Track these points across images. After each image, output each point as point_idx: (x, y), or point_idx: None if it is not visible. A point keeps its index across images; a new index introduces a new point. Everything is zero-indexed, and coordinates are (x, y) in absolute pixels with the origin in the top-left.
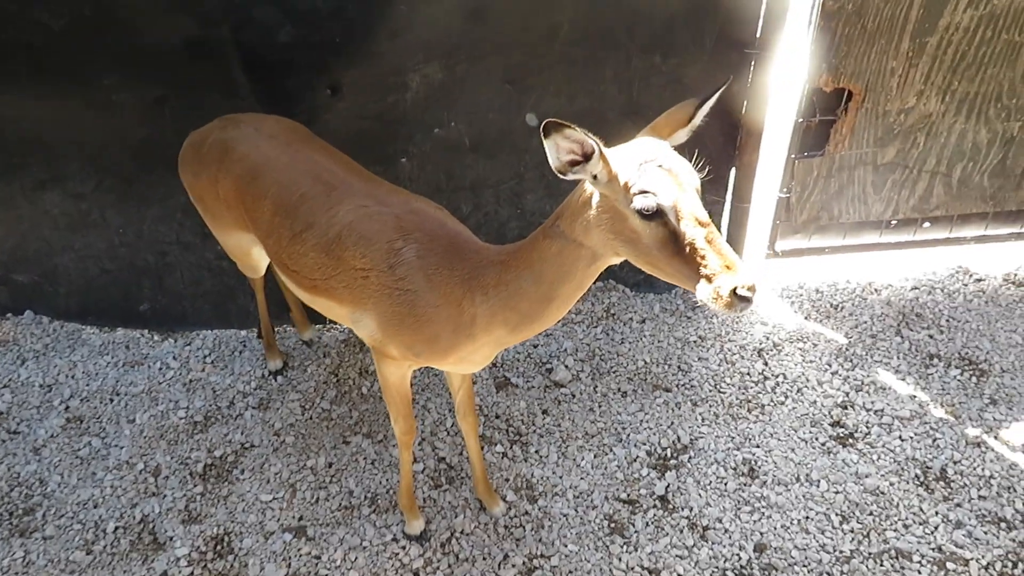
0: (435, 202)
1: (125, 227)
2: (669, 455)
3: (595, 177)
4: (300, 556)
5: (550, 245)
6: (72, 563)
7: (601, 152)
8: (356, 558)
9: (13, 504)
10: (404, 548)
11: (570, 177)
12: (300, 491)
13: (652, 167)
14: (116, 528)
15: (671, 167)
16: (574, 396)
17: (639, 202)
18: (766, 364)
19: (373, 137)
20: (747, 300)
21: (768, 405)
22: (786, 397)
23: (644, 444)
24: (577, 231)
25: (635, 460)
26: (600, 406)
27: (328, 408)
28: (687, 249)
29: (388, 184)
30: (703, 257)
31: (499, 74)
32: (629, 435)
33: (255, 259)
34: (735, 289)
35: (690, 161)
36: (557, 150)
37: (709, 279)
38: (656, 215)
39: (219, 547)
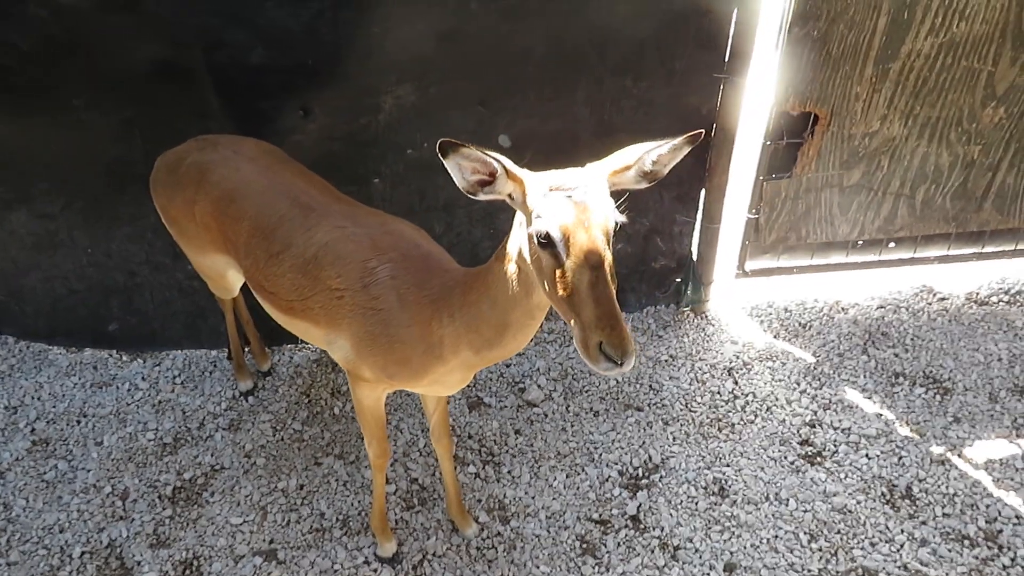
0: (410, 222)
1: (94, 247)
2: (640, 474)
3: (511, 197)
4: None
5: (500, 267)
6: None
7: (507, 171)
8: None
9: None
10: (376, 571)
11: (482, 198)
12: (271, 514)
13: (559, 195)
14: (83, 553)
15: (581, 200)
16: (547, 416)
17: (533, 226)
18: (736, 383)
19: (346, 158)
20: (613, 362)
21: (738, 424)
22: (755, 416)
23: (616, 464)
24: (513, 254)
25: (607, 480)
26: (572, 426)
27: (300, 429)
28: (570, 288)
29: (365, 207)
30: (580, 302)
31: (472, 96)
32: (601, 455)
33: (229, 281)
34: (600, 344)
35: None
36: (460, 170)
37: (581, 327)
38: (549, 244)
39: (188, 572)
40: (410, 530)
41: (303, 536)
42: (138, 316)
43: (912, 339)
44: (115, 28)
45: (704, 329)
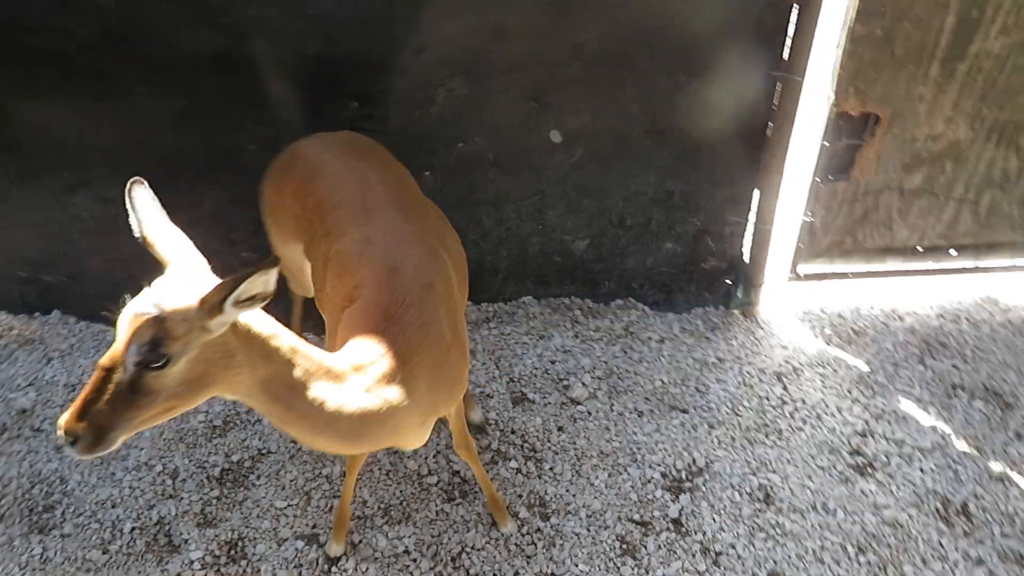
0: (457, 223)
1: None
2: (684, 477)
3: None
4: (312, 564)
5: None
6: (88, 561)
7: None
8: (367, 568)
9: (34, 501)
10: (415, 560)
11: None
12: (314, 499)
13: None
14: (133, 528)
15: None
16: (590, 414)
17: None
18: (785, 389)
19: (397, 150)
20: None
21: (786, 430)
22: (804, 423)
23: (659, 465)
24: None
25: (649, 481)
26: (616, 425)
27: None
28: None
29: (421, 222)
30: None
31: (523, 91)
32: (644, 455)
33: (307, 276)
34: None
35: None
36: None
37: None
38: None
39: (232, 552)
40: (450, 522)
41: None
42: None
43: (972, 350)
44: (174, 16)
45: (753, 332)
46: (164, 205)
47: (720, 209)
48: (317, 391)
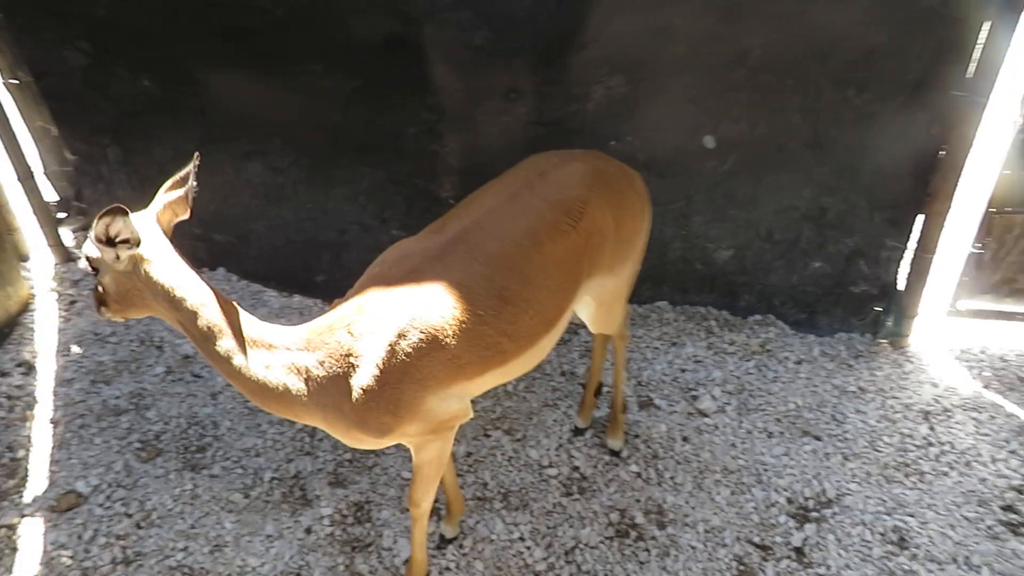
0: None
1: (313, 203)
2: (811, 506)
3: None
4: (429, 537)
5: None
6: (231, 503)
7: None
8: (483, 549)
9: (189, 441)
10: (529, 549)
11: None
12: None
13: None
14: (272, 478)
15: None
16: (717, 428)
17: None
18: (932, 429)
19: (549, 144)
20: None
21: (929, 473)
22: (951, 468)
23: (785, 490)
24: None
25: (773, 505)
26: (743, 443)
27: (475, 400)
28: None
29: (466, 259)
30: None
31: (681, 93)
32: (770, 478)
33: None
34: None
35: None
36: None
37: None
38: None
39: (359, 513)
40: (566, 515)
41: (465, 502)
42: (343, 271)
43: None
44: (355, 2)
45: (901, 365)
46: (327, 177)
47: (877, 232)
48: (222, 347)
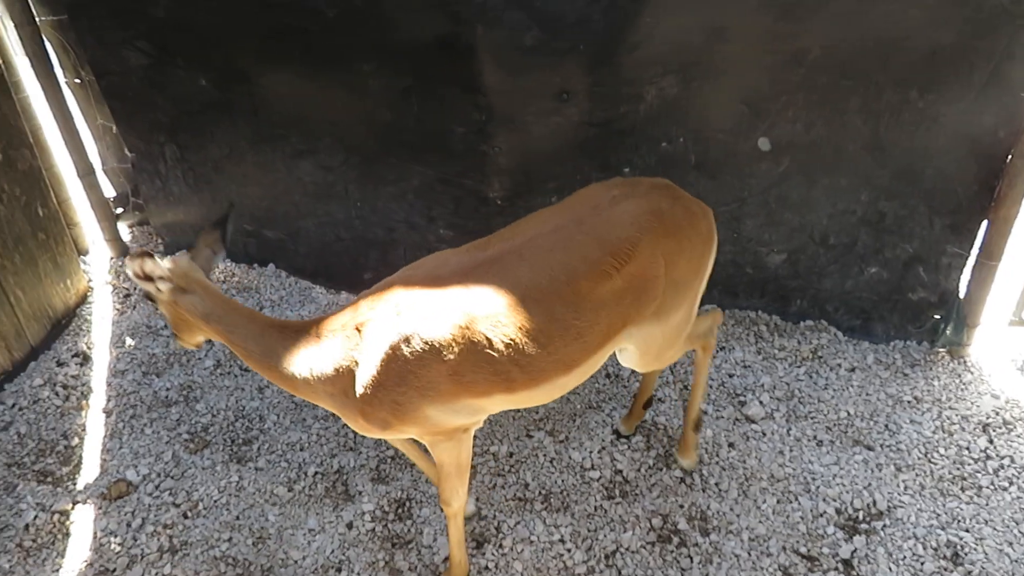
0: None
1: (363, 201)
2: (861, 518)
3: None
4: (470, 536)
5: None
6: (275, 496)
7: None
8: (522, 550)
9: (235, 433)
10: (569, 551)
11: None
12: (480, 475)
13: None
14: (316, 473)
15: None
16: (764, 435)
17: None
18: (991, 442)
19: (599, 144)
20: None
21: (987, 488)
22: (1011, 483)
23: (834, 500)
24: None
25: (822, 515)
26: (791, 451)
27: None
28: None
29: (475, 281)
30: None
31: (735, 94)
32: (819, 487)
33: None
34: None
35: None
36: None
37: None
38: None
39: (400, 510)
40: (607, 519)
41: (506, 501)
42: (390, 270)
43: None
44: (407, 2)
45: (960, 376)
46: (377, 176)
47: (938, 238)
48: (257, 355)
